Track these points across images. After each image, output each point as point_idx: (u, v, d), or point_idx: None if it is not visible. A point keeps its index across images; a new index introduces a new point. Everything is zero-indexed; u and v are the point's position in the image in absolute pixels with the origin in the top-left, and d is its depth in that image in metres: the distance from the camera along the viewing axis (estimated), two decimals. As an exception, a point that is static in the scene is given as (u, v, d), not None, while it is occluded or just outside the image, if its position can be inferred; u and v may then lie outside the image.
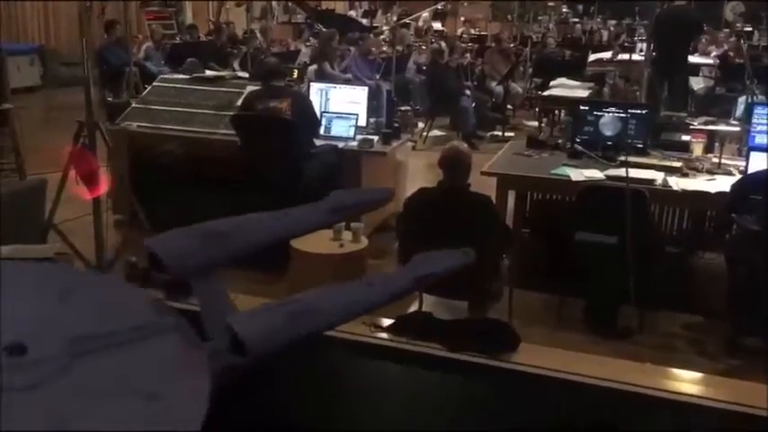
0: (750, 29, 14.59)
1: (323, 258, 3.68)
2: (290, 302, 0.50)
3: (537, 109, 9.05)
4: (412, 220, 3.25)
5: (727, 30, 13.41)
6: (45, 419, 0.41)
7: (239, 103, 5.01)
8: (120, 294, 0.51)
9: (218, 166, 4.49)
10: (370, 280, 0.52)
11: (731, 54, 9.98)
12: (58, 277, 0.51)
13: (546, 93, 8.24)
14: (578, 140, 4.60)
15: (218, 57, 8.66)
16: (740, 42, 9.35)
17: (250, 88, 5.13)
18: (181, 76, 5.85)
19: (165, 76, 6.05)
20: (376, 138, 4.89)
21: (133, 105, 5.41)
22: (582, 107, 4.78)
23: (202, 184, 4.50)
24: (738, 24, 15.22)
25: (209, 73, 5.96)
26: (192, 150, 4.81)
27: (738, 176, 4.00)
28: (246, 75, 6.30)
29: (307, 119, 4.51)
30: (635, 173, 3.91)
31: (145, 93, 5.67)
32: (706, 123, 5.59)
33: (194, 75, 5.74)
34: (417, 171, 6.08)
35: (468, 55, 9.96)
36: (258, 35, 10.33)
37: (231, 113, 4.79)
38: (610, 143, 4.53)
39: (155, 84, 5.75)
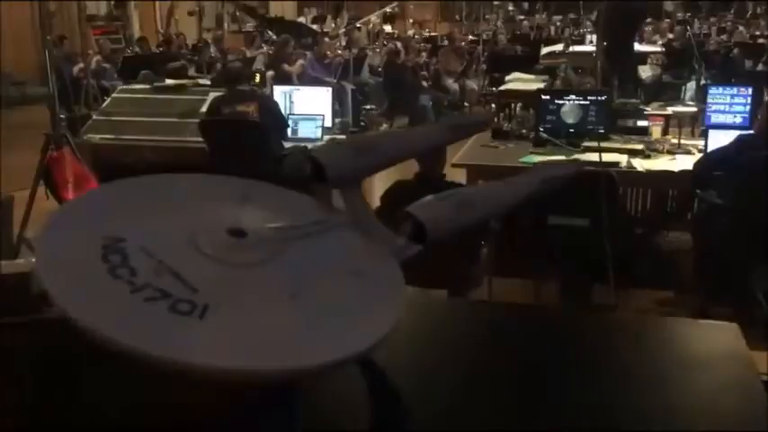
0: (690, 18, 15.08)
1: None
2: (452, 194, 0.55)
3: (493, 104, 9.19)
4: (391, 212, 3.30)
5: (668, 20, 13.84)
6: (281, 290, 0.45)
7: (204, 109, 4.98)
8: (288, 197, 0.57)
9: (188, 173, 4.46)
10: (506, 180, 0.57)
11: (675, 42, 10.32)
12: (230, 184, 0.57)
13: (502, 87, 8.38)
14: (542, 129, 4.71)
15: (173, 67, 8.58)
16: (687, 30, 9.66)
17: (213, 94, 5.11)
18: (141, 86, 5.80)
19: (124, 87, 5.99)
20: (344, 137, 4.92)
21: (94, 118, 5.34)
22: (543, 97, 4.90)
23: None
24: (679, 14, 15.73)
25: (169, 81, 5.92)
26: (160, 159, 4.78)
27: (698, 155, 4.16)
28: (208, 81, 6.28)
29: (275, 121, 4.52)
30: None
31: (104, 105, 5.60)
32: (662, 108, 5.78)
33: (155, 84, 5.69)
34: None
35: (423, 54, 10.07)
36: (211, 44, 10.26)
37: (197, 120, 4.77)
38: (572, 130, 4.65)
39: (114, 95, 5.69)
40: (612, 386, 0.50)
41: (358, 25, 13.36)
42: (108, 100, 5.67)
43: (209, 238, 0.48)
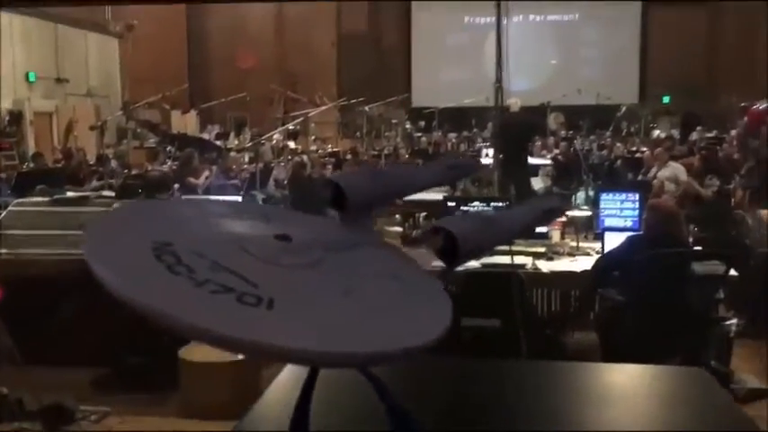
0: (573, 135, 16.26)
1: (215, 368, 3.57)
2: (476, 213, 0.59)
3: (397, 215, 9.43)
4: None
5: (553, 136, 14.88)
6: (334, 288, 0.47)
7: (109, 221, 4.85)
8: (305, 217, 0.60)
9: (95, 287, 4.28)
10: (511, 209, 0.62)
11: (561, 156, 11.07)
12: (253, 207, 0.60)
13: (405, 198, 8.63)
14: (450, 235, 4.87)
15: (72, 182, 8.37)
16: (572, 145, 10.41)
17: (117, 206, 5.00)
18: (39, 198, 5.60)
19: (20, 200, 5.76)
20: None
21: (-15, 233, 5.08)
22: (449, 203, 5.10)
23: (78, 308, 4.25)
24: (562, 132, 16.96)
25: (70, 194, 5.76)
26: (61, 273, 4.56)
27: (596, 256, 4.40)
28: (112, 193, 6.15)
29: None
30: (507, 258, 4.18)
31: (-2, 219, 5.35)
32: (557, 214, 6.14)
33: (54, 197, 5.51)
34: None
35: (329, 167, 10.32)
36: (112, 159, 10.14)
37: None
38: (478, 235, 4.83)
39: (10, 209, 5.45)
40: (611, 419, 0.52)
41: (262, 141, 13.62)
42: (2, 214, 5.43)
43: (259, 243, 0.53)
